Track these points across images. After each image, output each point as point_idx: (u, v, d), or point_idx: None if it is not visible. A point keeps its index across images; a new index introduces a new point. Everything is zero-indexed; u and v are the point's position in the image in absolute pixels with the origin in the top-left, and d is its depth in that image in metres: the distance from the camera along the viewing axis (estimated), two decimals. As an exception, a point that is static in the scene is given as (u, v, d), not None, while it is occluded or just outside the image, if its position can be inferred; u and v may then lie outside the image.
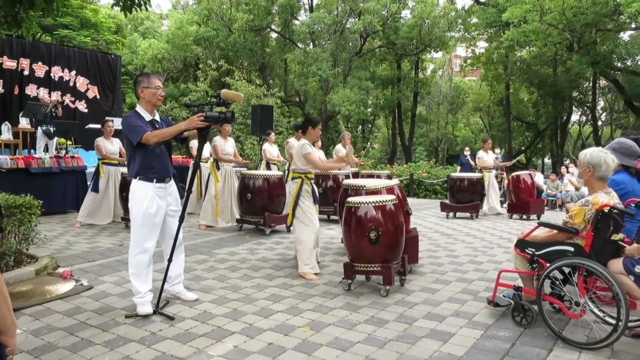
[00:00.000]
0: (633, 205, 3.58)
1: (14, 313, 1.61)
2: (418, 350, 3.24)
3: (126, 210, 7.78)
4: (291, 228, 7.49)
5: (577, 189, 12.66)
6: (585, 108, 30.17)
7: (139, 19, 29.69)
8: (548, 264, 3.46)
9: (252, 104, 17.14)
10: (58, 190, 8.92)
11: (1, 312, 1.52)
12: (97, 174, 8.02)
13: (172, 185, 4.03)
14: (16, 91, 13.30)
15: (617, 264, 3.28)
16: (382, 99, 30.01)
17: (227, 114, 3.81)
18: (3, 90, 13.04)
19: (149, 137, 3.72)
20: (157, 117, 4.00)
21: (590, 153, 3.47)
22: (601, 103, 32.55)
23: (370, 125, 36.83)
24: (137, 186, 3.86)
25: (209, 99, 4.06)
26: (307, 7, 27.90)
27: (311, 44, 26.33)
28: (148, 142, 3.73)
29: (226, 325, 3.63)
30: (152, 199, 3.83)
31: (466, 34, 26.56)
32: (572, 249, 3.41)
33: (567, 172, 14.26)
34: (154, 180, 3.86)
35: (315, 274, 5.05)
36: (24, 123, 11.50)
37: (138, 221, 3.84)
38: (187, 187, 4.07)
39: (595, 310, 3.58)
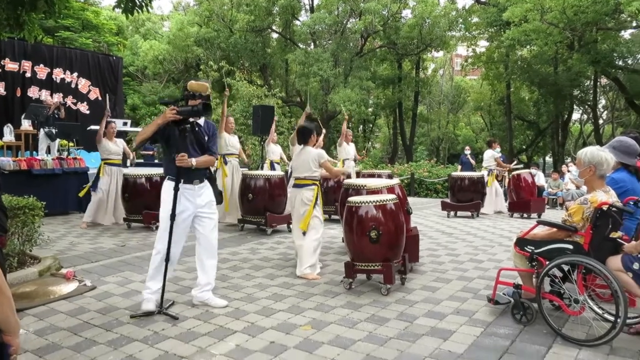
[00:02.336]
0: (632, 203, 3.60)
1: (18, 314, 1.64)
2: (419, 347, 3.26)
3: (128, 211, 7.81)
4: (292, 227, 7.56)
5: (577, 187, 12.67)
6: (587, 106, 30.14)
7: (140, 21, 29.78)
8: (547, 262, 3.49)
9: (253, 104, 17.17)
10: (60, 191, 8.95)
11: (4, 313, 1.55)
12: (98, 173, 8.03)
13: (203, 188, 4.02)
14: (18, 93, 13.37)
15: (615, 262, 3.30)
16: (383, 99, 30.02)
17: (199, 107, 3.78)
18: (5, 93, 13.11)
19: (137, 136, 3.85)
20: (200, 121, 4.04)
21: (591, 152, 3.49)
22: (602, 101, 32.53)
23: (371, 125, 36.83)
24: (166, 186, 3.94)
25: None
26: (307, 7, 27.96)
27: (312, 44, 26.37)
28: (136, 142, 3.88)
29: (228, 324, 3.66)
30: (178, 199, 3.85)
31: (467, 33, 26.55)
32: (571, 246, 3.44)
33: (568, 170, 14.26)
34: (182, 180, 3.87)
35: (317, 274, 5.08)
36: (26, 125, 11.54)
37: (163, 220, 3.89)
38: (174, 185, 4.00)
39: (595, 308, 3.60)
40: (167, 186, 3.91)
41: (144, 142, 3.88)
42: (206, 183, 4.06)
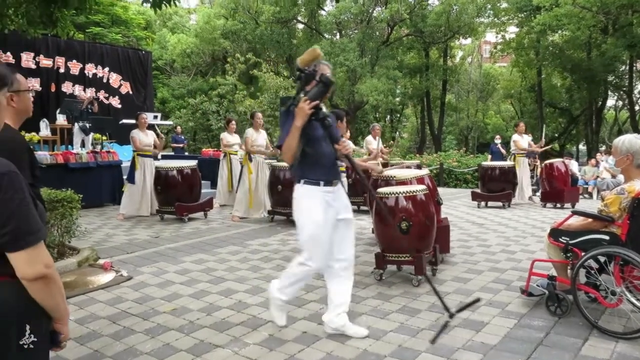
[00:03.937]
0: (671, 192, 3.50)
1: None
2: (451, 339, 3.26)
3: (160, 202, 7.97)
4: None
5: (613, 176, 12.33)
6: (622, 92, 29.18)
7: (168, 15, 30.04)
8: (583, 253, 3.42)
9: (280, 96, 17.23)
10: (95, 184, 9.21)
11: (55, 300, 1.60)
12: (132, 165, 8.23)
13: (340, 189, 3.43)
14: (53, 89, 13.74)
15: (654, 253, 3.22)
16: (411, 88, 29.66)
17: (323, 79, 3.16)
18: (40, 88, 13.47)
19: (284, 154, 3.27)
20: (324, 109, 3.36)
21: (629, 140, 3.40)
22: (638, 87, 31.46)
23: (398, 115, 36.46)
24: (302, 191, 3.31)
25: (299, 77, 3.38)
26: (333, -3, 27.77)
27: (338, 34, 26.22)
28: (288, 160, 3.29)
29: (261, 314, 3.72)
30: (319, 206, 3.26)
31: (496, 19, 25.98)
32: (607, 237, 3.37)
33: (602, 160, 13.88)
34: (321, 183, 3.29)
35: None
36: (61, 120, 11.87)
37: (304, 232, 3.29)
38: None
39: (632, 300, 3.52)
40: (308, 191, 3.28)
41: (296, 154, 3.20)
42: (340, 184, 3.46)
